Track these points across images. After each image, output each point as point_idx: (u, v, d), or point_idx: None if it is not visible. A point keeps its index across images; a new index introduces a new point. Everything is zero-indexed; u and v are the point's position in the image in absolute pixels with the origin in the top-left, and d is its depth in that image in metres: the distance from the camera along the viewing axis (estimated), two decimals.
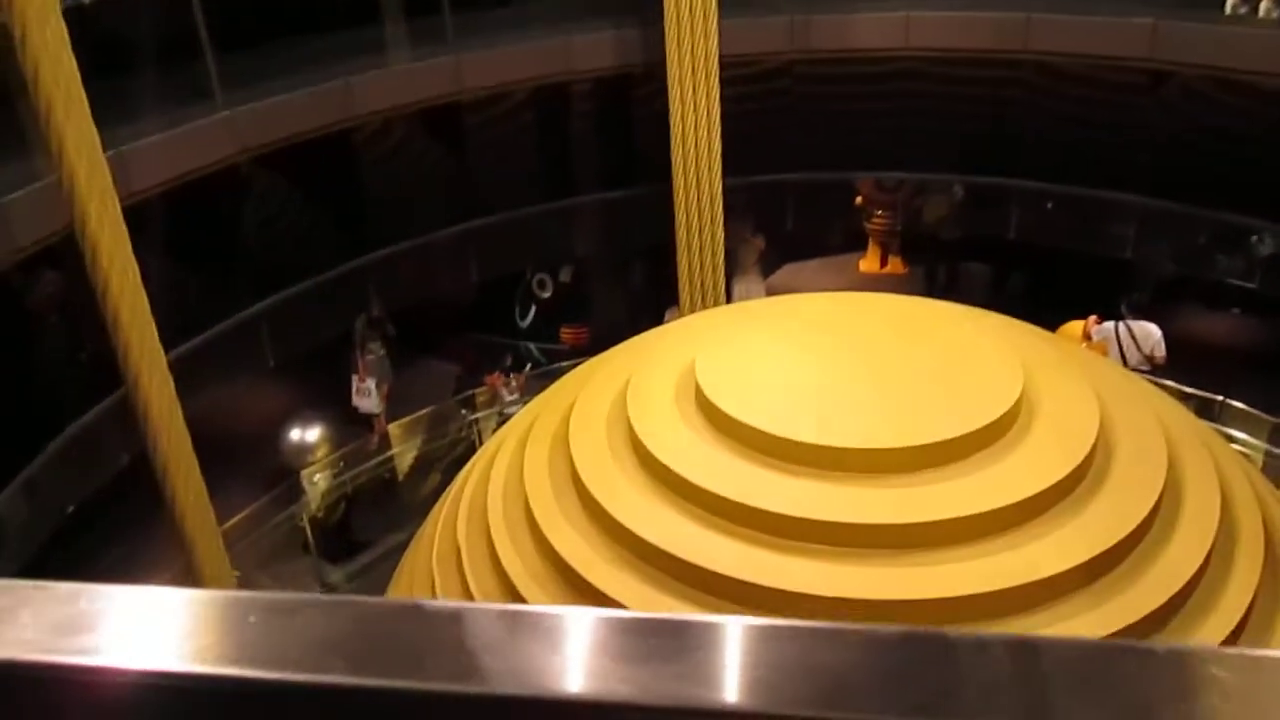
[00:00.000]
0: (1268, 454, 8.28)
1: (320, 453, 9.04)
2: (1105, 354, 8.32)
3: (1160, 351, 8.31)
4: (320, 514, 8.47)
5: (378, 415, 9.64)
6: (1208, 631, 3.12)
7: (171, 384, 3.25)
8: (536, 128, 10.43)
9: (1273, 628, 3.25)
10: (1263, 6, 7.57)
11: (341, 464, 8.70)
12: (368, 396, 9.79)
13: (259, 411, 10.27)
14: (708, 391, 3.54)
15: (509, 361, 10.02)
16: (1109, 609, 3.05)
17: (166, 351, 3.30)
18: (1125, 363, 8.32)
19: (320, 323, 10.36)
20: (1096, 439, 3.37)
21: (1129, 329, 8.36)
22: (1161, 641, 2.95)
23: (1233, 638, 3.13)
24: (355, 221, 10.42)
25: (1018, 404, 3.40)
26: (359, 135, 9.41)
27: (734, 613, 3.04)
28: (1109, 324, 8.44)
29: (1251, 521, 3.50)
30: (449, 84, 7.50)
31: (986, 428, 3.28)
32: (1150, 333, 8.34)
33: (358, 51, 8.30)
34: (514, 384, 9.35)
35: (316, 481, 8.47)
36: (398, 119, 8.85)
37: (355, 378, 9.79)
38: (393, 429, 9.20)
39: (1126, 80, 8.81)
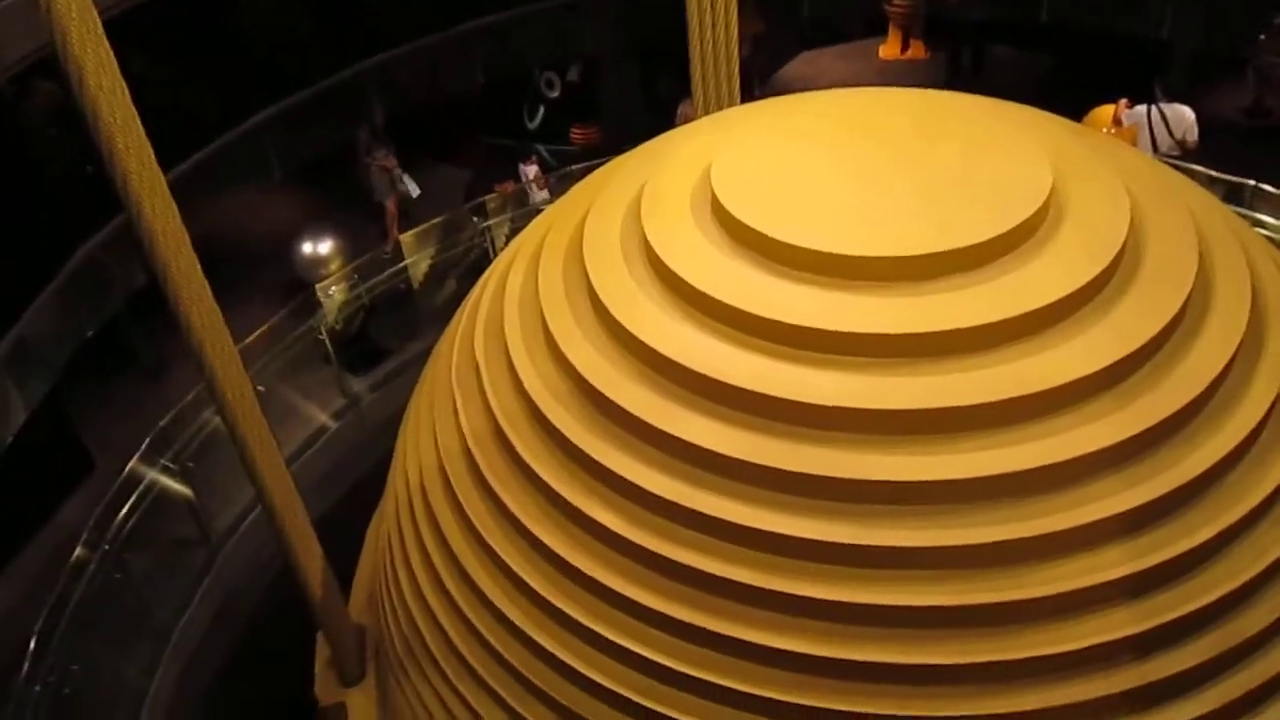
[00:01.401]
0: None
1: (334, 265, 9.03)
2: (1135, 139, 8.08)
3: (1193, 136, 8.06)
4: (338, 326, 8.53)
5: (406, 201, 9.52)
6: (1233, 425, 3.12)
7: (175, 211, 3.16)
8: None
9: None
10: None
11: (356, 276, 8.68)
12: (404, 179, 9.67)
13: (270, 226, 10.22)
14: (724, 200, 3.42)
15: (534, 159, 9.77)
16: (1132, 410, 3.05)
17: (168, 169, 3.19)
18: (1156, 148, 8.08)
19: (324, 131, 10.15)
20: (1126, 238, 3.27)
21: (1161, 112, 8.07)
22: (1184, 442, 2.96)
23: (1258, 429, 3.14)
24: (356, 25, 10.01)
25: (1045, 204, 3.28)
26: None
27: (755, 427, 3.06)
28: (1140, 108, 8.16)
29: None
30: None
31: (1013, 230, 3.17)
32: (1184, 116, 8.05)
33: None
34: (537, 180, 9.18)
35: (333, 294, 8.49)
36: None
37: (378, 170, 9.63)
38: (405, 239, 9.13)
39: None
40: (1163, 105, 8.09)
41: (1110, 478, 2.99)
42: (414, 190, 9.94)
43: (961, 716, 2.93)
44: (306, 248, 9.22)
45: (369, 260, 8.87)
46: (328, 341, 8.40)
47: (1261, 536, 3.08)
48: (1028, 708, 2.93)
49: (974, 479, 2.92)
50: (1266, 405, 3.17)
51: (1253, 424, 3.13)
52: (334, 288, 8.51)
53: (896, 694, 2.96)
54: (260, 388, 7.08)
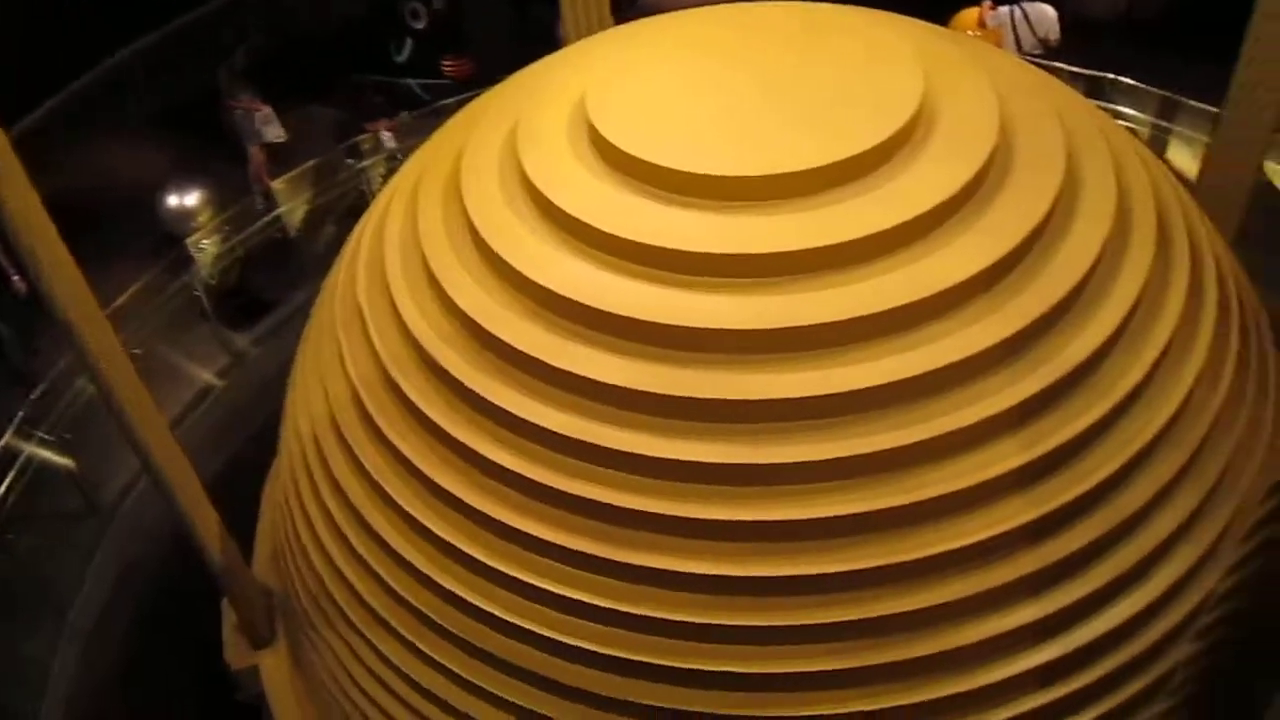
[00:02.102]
0: (1154, 126, 8.49)
1: (203, 217, 8.65)
2: (1000, 40, 8.23)
3: (1055, 34, 8.25)
4: (214, 280, 8.21)
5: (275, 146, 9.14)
6: (1105, 315, 3.23)
7: (21, 170, 2.95)
8: None
9: (1164, 304, 3.39)
10: None
11: (228, 227, 8.34)
12: (270, 123, 9.26)
13: (135, 177, 9.71)
14: (601, 128, 3.36)
15: (380, 106, 9.44)
16: (1013, 308, 3.13)
17: (16, 119, 2.97)
18: (1020, 47, 8.25)
19: (185, 74, 9.64)
20: (996, 141, 3.32)
21: (1024, 13, 8.24)
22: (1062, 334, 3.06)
23: (1128, 317, 3.25)
24: None
25: (918, 112, 3.30)
26: None
27: (645, 355, 3.05)
28: (1004, 9, 8.32)
29: (1145, 208, 3.56)
30: None
31: (887, 141, 3.20)
32: (1045, 15, 8.24)
33: None
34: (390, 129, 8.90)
35: (205, 248, 8.14)
36: None
37: (242, 114, 9.19)
38: (277, 185, 8.79)
39: None
40: (1025, 5, 8.26)
41: (996, 375, 3.07)
42: (280, 134, 9.53)
43: (874, 618, 3.02)
44: (173, 200, 8.79)
45: (241, 210, 8.52)
46: (204, 297, 8.08)
47: (1137, 418, 3.21)
48: (936, 601, 3.03)
49: (866, 389, 2.97)
50: (1135, 293, 3.29)
51: (1124, 312, 3.24)
52: (206, 241, 8.17)
53: (807, 604, 3.02)
54: (136, 350, 6.80)
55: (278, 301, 8.45)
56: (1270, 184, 7.56)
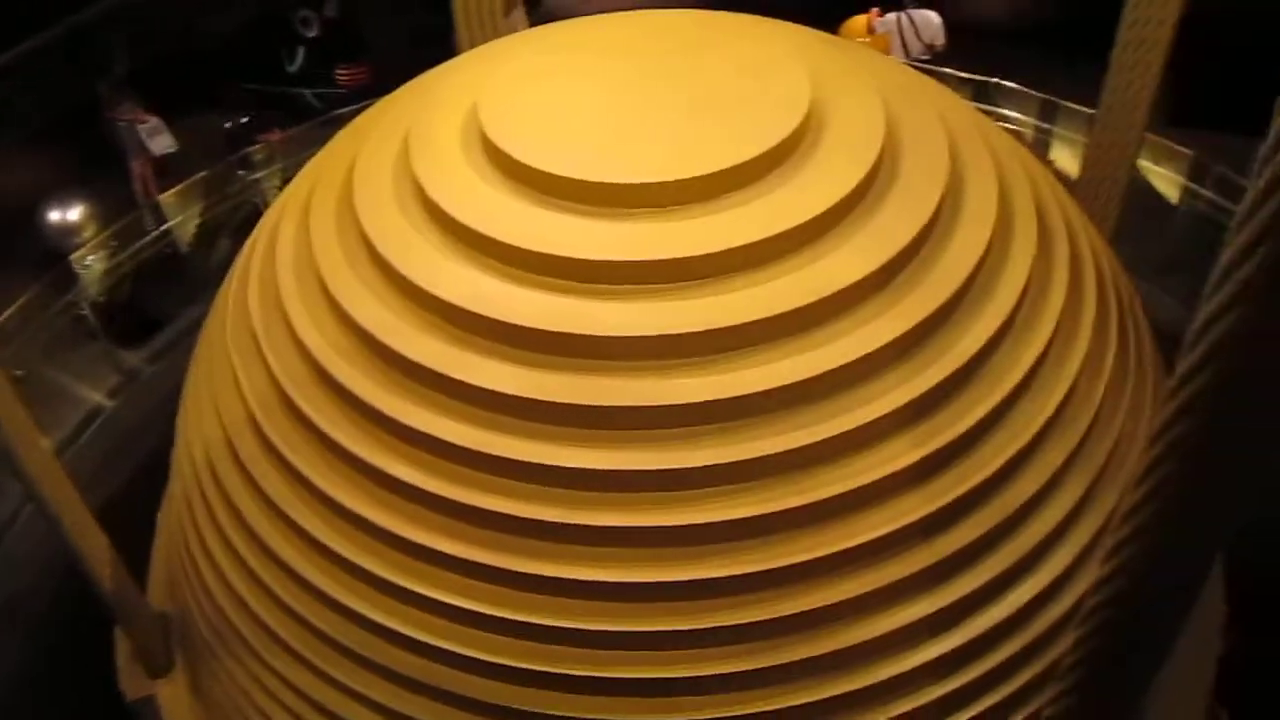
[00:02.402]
0: (1036, 129, 8.83)
1: (88, 232, 8.34)
2: (888, 46, 8.45)
3: (940, 40, 8.50)
4: (102, 298, 7.92)
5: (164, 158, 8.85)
6: (992, 310, 3.33)
7: None
8: None
9: (1046, 297, 3.52)
10: None
11: (115, 242, 8.06)
12: (159, 134, 8.96)
13: (13, 191, 9.32)
14: (494, 136, 3.34)
15: (273, 115, 9.25)
16: (904, 306, 3.20)
17: None
18: (907, 53, 8.48)
19: (61, 84, 9.28)
20: (883, 145, 3.40)
21: (910, 18, 8.48)
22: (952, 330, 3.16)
23: (1014, 311, 3.37)
24: None
25: (806, 118, 3.37)
26: None
27: (546, 365, 3.04)
28: (890, 16, 8.55)
29: (1025, 206, 3.69)
30: None
31: (778, 146, 3.25)
32: (930, 20, 8.49)
33: None
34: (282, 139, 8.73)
35: (90, 264, 7.86)
36: None
37: (125, 125, 8.88)
38: (167, 198, 8.53)
39: None
40: (911, 11, 8.50)
41: (890, 373, 3.15)
42: (168, 146, 9.24)
43: (778, 618, 3.05)
44: (54, 215, 8.45)
45: (128, 224, 8.24)
46: (92, 315, 7.79)
47: (1025, 409, 3.32)
48: (836, 599, 3.08)
49: (765, 391, 3.01)
50: (1019, 288, 3.41)
51: (1009, 307, 3.35)
52: (91, 257, 7.88)
53: (713, 608, 3.05)
54: (19, 371, 6.53)
55: (171, 317, 8.19)
56: (1147, 182, 7.91)
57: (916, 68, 4.62)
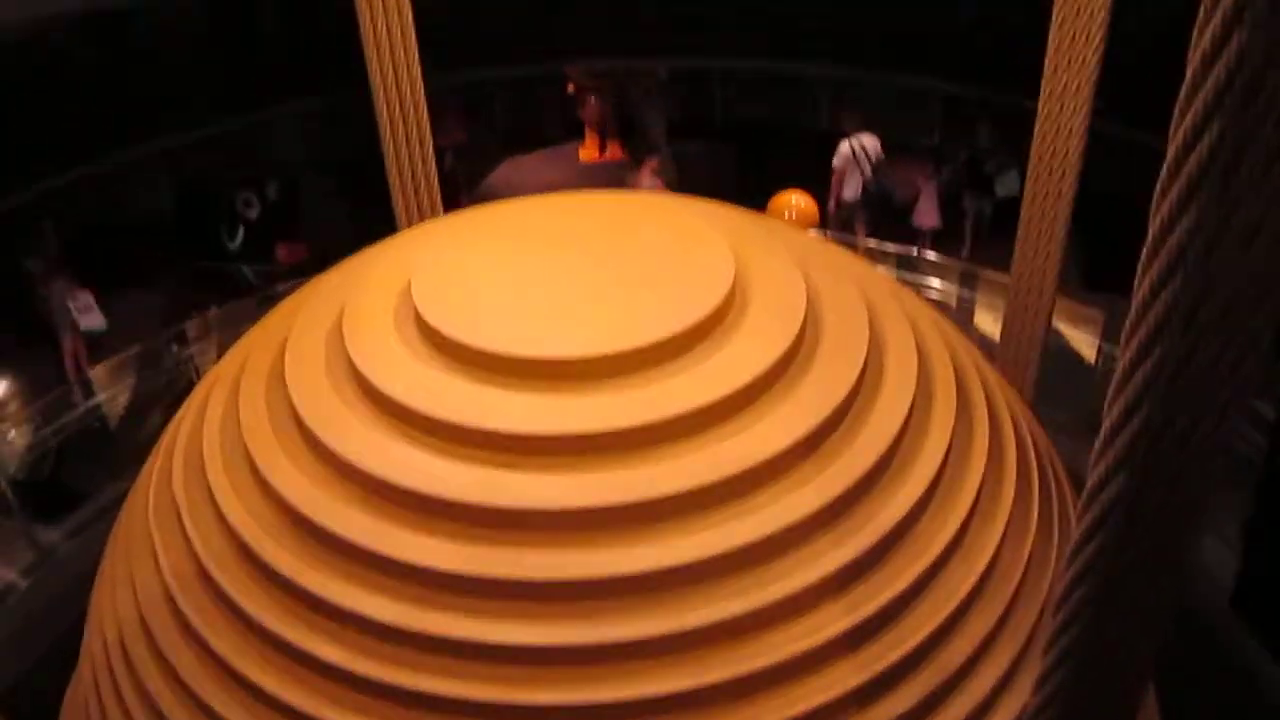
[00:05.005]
0: (959, 298, 9.25)
1: (12, 407, 8.20)
2: (844, 173, 9.56)
3: (880, 152, 9.67)
4: (22, 475, 7.72)
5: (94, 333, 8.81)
6: (916, 477, 3.40)
7: None
8: (218, 34, 9.64)
9: (967, 461, 3.60)
10: None
11: (39, 418, 7.92)
12: (89, 310, 8.93)
13: None
14: (425, 313, 3.42)
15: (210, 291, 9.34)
16: (829, 475, 3.26)
17: None
18: (871, 168, 9.20)
19: None
20: (805, 317, 3.54)
21: (860, 141, 9.58)
22: (877, 497, 3.22)
23: (937, 477, 3.44)
24: (20, 149, 9.29)
25: (730, 293, 3.50)
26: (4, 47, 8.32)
27: (474, 539, 3.03)
28: (845, 144, 9.40)
29: (944, 373, 3.82)
30: None
31: (702, 321, 3.36)
32: (874, 139, 9.64)
33: None
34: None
35: (12, 439, 7.69)
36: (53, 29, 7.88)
37: (57, 301, 8.87)
38: (97, 372, 8.45)
39: None
40: (860, 136, 9.54)
41: (819, 541, 3.17)
42: (98, 324, 9.21)
43: None
44: None
45: (55, 399, 8.13)
46: (9, 492, 7.57)
47: (952, 574, 3.35)
48: None
49: (695, 562, 3.02)
50: (941, 454, 3.49)
51: (932, 473, 3.43)
52: (13, 432, 7.72)
53: None
54: None
55: (93, 493, 7.99)
56: (1066, 344, 8.27)
57: (835, 243, 4.86)
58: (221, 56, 9.77)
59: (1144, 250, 1.12)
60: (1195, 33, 0.97)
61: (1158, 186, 1.08)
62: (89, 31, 8.92)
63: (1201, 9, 0.96)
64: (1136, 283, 1.15)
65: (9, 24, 7.42)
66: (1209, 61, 0.96)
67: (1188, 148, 1.02)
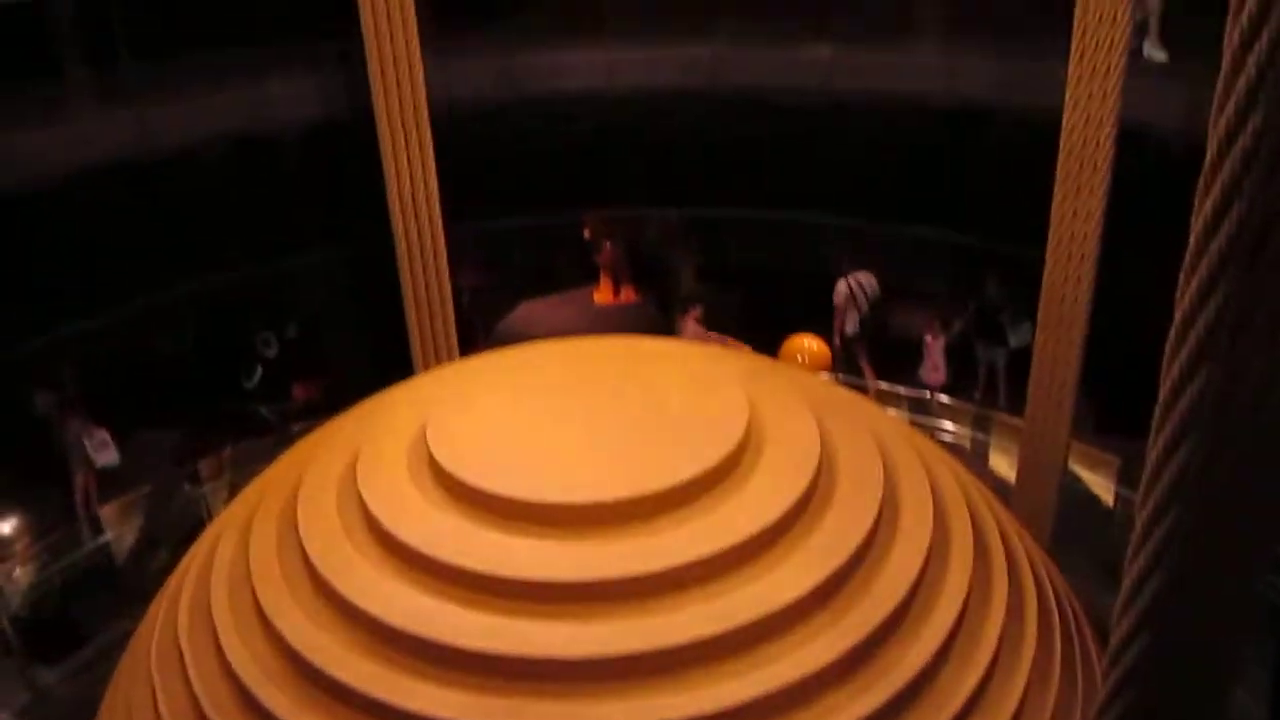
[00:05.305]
0: (973, 440, 9.21)
1: (19, 545, 8.16)
2: (844, 309, 9.77)
3: (878, 290, 9.82)
4: (25, 613, 7.62)
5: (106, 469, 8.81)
6: (934, 625, 3.32)
7: None
8: (247, 182, 9.99)
9: (987, 609, 3.52)
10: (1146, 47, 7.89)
11: (46, 555, 7.86)
12: (104, 448, 8.95)
13: None
14: (440, 458, 3.43)
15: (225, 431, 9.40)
16: (847, 623, 3.19)
17: None
18: (867, 304, 9.69)
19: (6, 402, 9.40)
20: (819, 463, 3.53)
21: (858, 280, 9.77)
22: (896, 647, 3.14)
23: (955, 627, 3.36)
24: (47, 291, 9.52)
25: (744, 440, 3.51)
26: (40, 196, 8.62)
27: (484, 688, 2.96)
28: (842, 283, 9.72)
29: (960, 518, 3.78)
30: (134, 139, 6.98)
31: (716, 467, 3.36)
32: (871, 278, 9.81)
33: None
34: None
35: (16, 577, 7.62)
36: (82, 177, 8.17)
37: (73, 437, 8.91)
38: (107, 510, 8.42)
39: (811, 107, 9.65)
40: (857, 275, 9.73)
41: (834, 693, 3.09)
42: (112, 460, 9.24)
43: None
44: None
45: (63, 536, 8.09)
46: (9, 630, 7.45)
47: None
48: None
49: (708, 716, 2.93)
50: (960, 601, 3.42)
51: (951, 621, 3.36)
52: (17, 569, 7.65)
53: None
54: None
55: (96, 633, 7.86)
56: (1088, 491, 8.18)
57: (849, 385, 4.89)
58: (250, 203, 10.08)
59: (1155, 411, 1.13)
60: (1196, 200, 1.00)
61: (1166, 348, 1.10)
62: (121, 179, 9.23)
63: (1201, 180, 1.00)
64: (1150, 443, 1.15)
65: (44, 173, 7.70)
66: (1211, 228, 0.99)
67: (1194, 310, 1.04)
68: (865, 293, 9.84)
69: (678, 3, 9.63)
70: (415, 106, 5.16)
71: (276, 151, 9.42)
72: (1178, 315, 1.07)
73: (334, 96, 7.64)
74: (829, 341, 9.35)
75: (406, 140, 5.18)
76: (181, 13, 8.77)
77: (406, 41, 5.18)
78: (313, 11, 7.92)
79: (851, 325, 9.93)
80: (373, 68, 5.18)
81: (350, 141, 8.03)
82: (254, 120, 7.86)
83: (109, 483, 9.44)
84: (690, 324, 9.21)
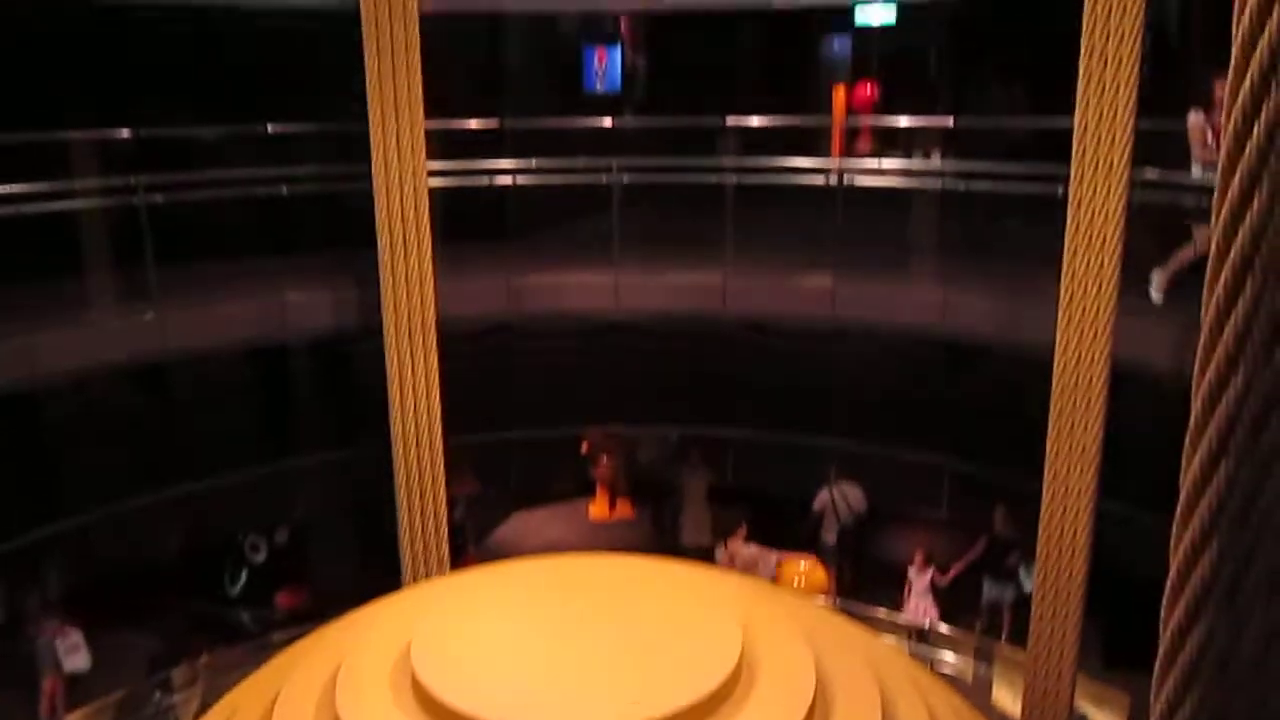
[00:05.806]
0: (975, 673, 8.92)
1: None
2: (823, 516, 9.79)
3: (863, 507, 9.87)
4: None
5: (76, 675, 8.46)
6: None
7: None
8: (251, 387, 10.19)
9: None
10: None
11: None
12: (76, 651, 8.63)
13: None
14: (423, 677, 3.31)
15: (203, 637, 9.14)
16: None
17: None
18: (850, 514, 9.76)
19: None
20: (814, 696, 3.41)
21: (841, 492, 9.86)
22: None
23: None
24: (44, 488, 9.50)
25: (736, 669, 3.40)
26: (49, 394, 8.75)
27: None
28: (824, 493, 9.84)
29: None
30: (152, 343, 7.16)
31: (708, 697, 3.24)
32: (854, 491, 9.90)
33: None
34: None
35: None
36: (95, 378, 8.32)
37: (45, 640, 8.63)
38: (74, 718, 8.05)
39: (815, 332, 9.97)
40: (842, 486, 9.80)
41: None
42: (82, 665, 8.90)
43: None
44: None
45: None
46: None
47: None
48: None
49: None
50: None
51: None
52: None
53: None
54: None
55: None
56: None
57: (842, 616, 4.78)
58: (254, 408, 10.19)
59: (1156, 665, 1.11)
60: (1183, 462, 1.03)
61: (1164, 600, 1.09)
62: (130, 381, 9.35)
63: (1187, 440, 1.03)
64: (1152, 697, 1.13)
65: (57, 373, 7.81)
66: (1199, 488, 1.01)
67: (1188, 565, 1.05)
68: (848, 503, 9.88)
69: (685, 232, 10.07)
70: (424, 321, 5.31)
71: (285, 357, 9.65)
72: (1172, 569, 1.08)
73: (344, 308, 7.87)
74: (824, 561, 9.27)
75: (412, 353, 5.30)
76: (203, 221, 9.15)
77: (420, 262, 5.39)
78: (333, 224, 8.28)
79: (831, 534, 9.93)
80: (385, 281, 5.36)
81: (358, 350, 8.23)
82: (265, 327, 8.08)
83: (78, 687, 9.07)
84: (738, 545, 9.13)
